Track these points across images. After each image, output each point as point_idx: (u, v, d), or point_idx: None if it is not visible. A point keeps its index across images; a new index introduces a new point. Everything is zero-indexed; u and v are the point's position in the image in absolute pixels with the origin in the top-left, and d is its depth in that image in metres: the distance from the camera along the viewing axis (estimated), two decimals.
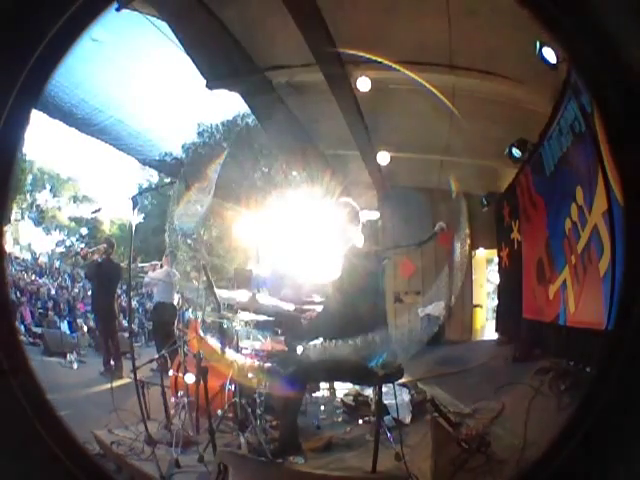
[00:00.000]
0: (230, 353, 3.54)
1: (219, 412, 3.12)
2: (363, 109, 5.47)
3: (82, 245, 9.40)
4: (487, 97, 4.90)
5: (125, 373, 4.88)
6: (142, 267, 5.69)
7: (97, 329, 6.58)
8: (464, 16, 3.95)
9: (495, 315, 7.08)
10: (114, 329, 5.69)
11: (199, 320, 3.62)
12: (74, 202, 9.94)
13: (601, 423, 1.19)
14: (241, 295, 3.42)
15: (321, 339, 2.97)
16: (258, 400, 3.12)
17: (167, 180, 8.42)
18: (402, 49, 4.56)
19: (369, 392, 3.61)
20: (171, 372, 3.63)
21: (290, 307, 3.89)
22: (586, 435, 1.20)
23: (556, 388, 3.66)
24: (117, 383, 4.05)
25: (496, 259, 7.05)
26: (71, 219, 9.93)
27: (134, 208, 3.27)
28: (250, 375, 3.35)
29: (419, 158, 6.56)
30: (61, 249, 9.76)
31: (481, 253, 7.45)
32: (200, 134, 8.45)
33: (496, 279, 7.29)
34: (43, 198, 9.67)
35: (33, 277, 8.63)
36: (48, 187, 9.73)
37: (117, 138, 7.24)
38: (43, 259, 9.48)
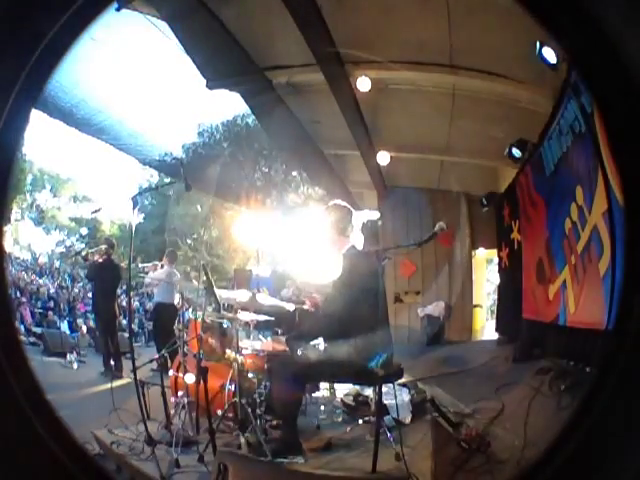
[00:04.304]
0: (230, 353, 3.54)
1: (219, 412, 3.12)
2: (363, 109, 5.47)
3: (82, 245, 9.41)
4: (487, 97, 4.90)
5: (125, 373, 4.88)
6: (143, 267, 5.69)
7: (97, 329, 6.58)
8: (464, 16, 3.96)
9: (495, 315, 7.09)
10: (114, 329, 5.69)
11: (199, 320, 3.61)
12: (74, 202, 9.94)
13: (601, 423, 1.19)
14: (241, 295, 3.42)
15: (321, 339, 2.97)
16: (258, 400, 3.12)
17: (167, 180, 8.42)
18: (402, 49, 4.56)
19: (369, 392, 3.61)
20: (171, 372, 3.63)
21: (290, 307, 3.89)
22: (586, 435, 1.20)
23: (556, 388, 3.66)
24: (117, 383, 4.05)
25: (496, 259, 7.05)
26: (71, 219, 9.94)
27: (134, 208, 3.26)
28: (250, 375, 3.35)
29: (419, 158, 6.56)
30: (61, 249, 9.77)
31: (481, 253, 7.45)
32: (200, 134, 8.46)
33: (496, 279, 7.29)
34: (43, 198, 9.68)
35: (33, 277, 8.64)
36: (48, 187, 9.74)
37: (117, 138, 7.25)
38: (43, 259, 9.48)
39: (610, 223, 3.21)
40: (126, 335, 5.90)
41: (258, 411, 3.06)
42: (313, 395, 3.83)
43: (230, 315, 3.35)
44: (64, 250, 9.70)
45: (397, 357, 2.88)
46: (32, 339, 6.48)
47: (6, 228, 1.36)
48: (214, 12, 4.45)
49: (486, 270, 7.99)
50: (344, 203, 3.02)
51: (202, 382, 3.08)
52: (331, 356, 2.73)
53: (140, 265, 5.89)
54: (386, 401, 3.07)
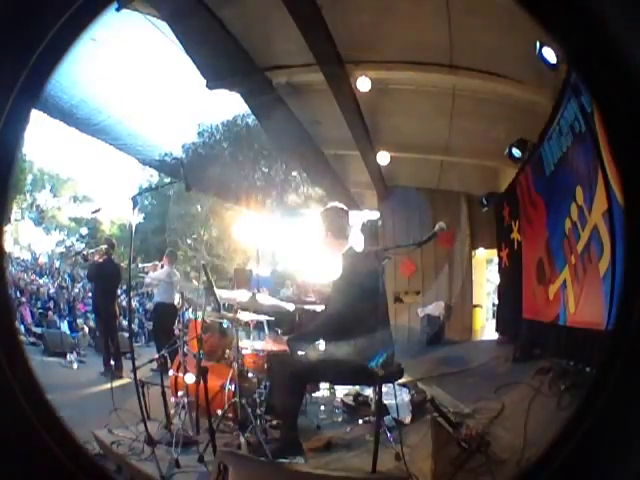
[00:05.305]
0: (230, 353, 3.54)
1: (219, 412, 3.13)
2: (363, 109, 5.47)
3: (82, 245, 9.41)
4: (487, 97, 4.90)
5: (125, 373, 4.89)
6: (143, 267, 5.69)
7: (97, 329, 6.59)
8: (464, 16, 3.96)
9: (495, 315, 7.08)
10: (114, 329, 5.69)
11: (199, 320, 3.62)
12: (74, 202, 9.94)
13: (601, 423, 1.19)
14: (241, 295, 3.42)
15: (322, 340, 2.97)
16: (258, 400, 3.12)
17: (167, 180, 8.42)
18: (402, 49, 4.56)
19: (369, 392, 3.61)
20: (171, 372, 3.63)
21: (290, 307, 3.90)
22: (586, 435, 1.19)
23: (556, 388, 3.66)
24: (117, 383, 4.05)
25: (496, 259, 7.05)
26: (71, 219, 9.94)
27: (134, 208, 3.27)
28: (250, 375, 3.35)
29: (419, 158, 6.56)
30: (61, 249, 9.77)
31: (481, 253, 7.45)
32: (200, 134, 8.45)
33: (496, 279, 7.29)
34: (43, 198, 9.68)
35: (33, 277, 8.63)
36: (48, 187, 9.74)
37: (117, 138, 7.25)
38: (43, 259, 9.48)
39: (610, 223, 3.21)
40: (126, 335, 5.90)
41: (258, 411, 3.06)
42: (313, 395, 3.83)
43: (230, 315, 3.36)
44: (64, 250, 9.70)
45: (397, 357, 2.88)
46: (32, 339, 6.48)
47: (6, 228, 1.36)
48: (214, 12, 4.44)
49: (486, 270, 7.99)
50: (340, 205, 3.01)
51: (202, 382, 3.08)
52: (331, 356, 2.72)
53: (140, 265, 5.90)
54: (386, 401, 3.07)
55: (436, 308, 6.72)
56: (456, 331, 6.77)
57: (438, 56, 4.54)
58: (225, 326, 3.85)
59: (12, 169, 1.22)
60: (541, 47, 3.65)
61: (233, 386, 3.20)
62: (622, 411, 1.18)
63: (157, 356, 3.85)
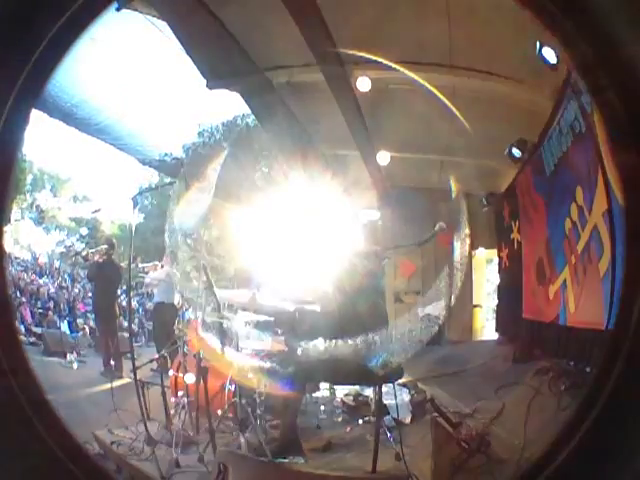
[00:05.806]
0: (230, 353, 3.54)
1: (219, 412, 3.13)
2: (363, 109, 5.47)
3: (82, 245, 9.41)
4: (487, 97, 4.90)
5: (125, 373, 4.88)
6: (143, 267, 5.69)
7: (97, 329, 6.59)
8: (464, 16, 3.96)
9: (495, 315, 7.08)
10: (114, 329, 5.69)
11: (199, 320, 3.62)
12: (74, 202, 9.93)
13: (601, 423, 1.19)
14: (241, 295, 3.42)
15: (321, 339, 2.97)
16: (258, 400, 3.12)
17: (167, 180, 8.42)
18: (402, 49, 4.56)
19: (369, 392, 3.61)
20: (171, 372, 3.64)
21: (290, 307, 3.89)
22: (586, 435, 1.19)
23: (556, 388, 3.66)
24: (117, 383, 4.05)
25: (496, 259, 7.05)
26: (71, 219, 9.93)
27: (134, 208, 3.28)
28: (250, 375, 3.35)
29: (419, 158, 6.56)
30: (61, 249, 9.76)
31: (481, 253, 7.44)
32: (200, 134, 8.44)
33: (496, 279, 7.28)
34: (43, 198, 9.67)
35: (33, 277, 8.63)
36: (48, 187, 9.73)
37: (117, 138, 7.25)
38: (43, 259, 9.48)
39: (610, 223, 3.21)
40: (126, 335, 5.90)
41: (258, 411, 3.06)
42: (313, 395, 3.84)
43: (230, 315, 3.36)
44: (64, 250, 9.69)
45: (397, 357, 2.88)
46: (32, 339, 6.48)
47: (6, 228, 1.36)
48: (214, 12, 4.44)
49: (486, 270, 7.98)
50: (341, 204, 3.02)
51: (202, 382, 3.08)
52: (331, 356, 2.73)
53: (140, 265, 5.89)
54: (386, 401, 3.07)
55: (436, 308, 6.72)
56: (456, 331, 6.77)
57: (438, 56, 4.54)
58: (225, 326, 3.85)
59: (12, 169, 1.22)
60: (541, 47, 3.65)
61: (233, 386, 3.20)
62: (622, 411, 1.18)
63: (157, 356, 3.85)
